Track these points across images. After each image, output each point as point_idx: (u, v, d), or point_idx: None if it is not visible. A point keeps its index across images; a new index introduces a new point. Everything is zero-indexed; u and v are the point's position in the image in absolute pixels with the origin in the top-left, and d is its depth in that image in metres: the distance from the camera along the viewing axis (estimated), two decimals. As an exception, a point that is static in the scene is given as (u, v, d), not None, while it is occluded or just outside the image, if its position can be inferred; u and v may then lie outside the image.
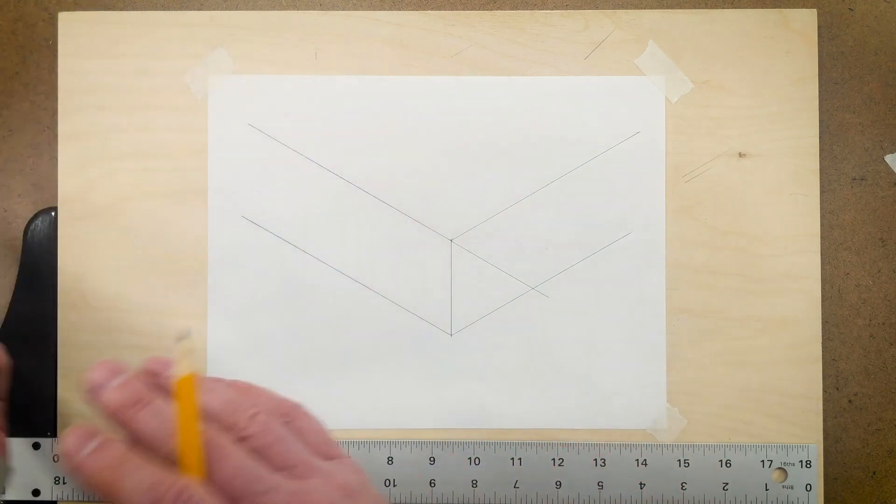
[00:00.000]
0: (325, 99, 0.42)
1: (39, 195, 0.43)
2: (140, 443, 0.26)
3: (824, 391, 0.42)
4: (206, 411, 0.27)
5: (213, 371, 0.42)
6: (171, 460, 0.26)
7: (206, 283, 0.42)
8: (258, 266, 0.42)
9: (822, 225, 0.43)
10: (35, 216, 0.42)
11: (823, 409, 0.42)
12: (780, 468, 0.41)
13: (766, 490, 0.41)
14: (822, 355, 0.42)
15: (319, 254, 0.42)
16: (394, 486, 0.41)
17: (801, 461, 0.41)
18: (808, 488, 0.41)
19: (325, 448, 0.30)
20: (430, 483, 0.41)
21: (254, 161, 0.42)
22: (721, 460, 0.41)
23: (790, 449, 0.41)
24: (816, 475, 0.41)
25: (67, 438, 0.26)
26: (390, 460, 0.41)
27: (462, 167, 0.42)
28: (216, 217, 0.42)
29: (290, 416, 0.30)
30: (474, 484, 0.41)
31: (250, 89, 0.42)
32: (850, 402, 0.43)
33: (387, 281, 0.42)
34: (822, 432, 0.42)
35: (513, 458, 0.41)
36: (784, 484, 0.41)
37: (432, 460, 0.41)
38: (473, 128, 0.42)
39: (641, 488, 0.41)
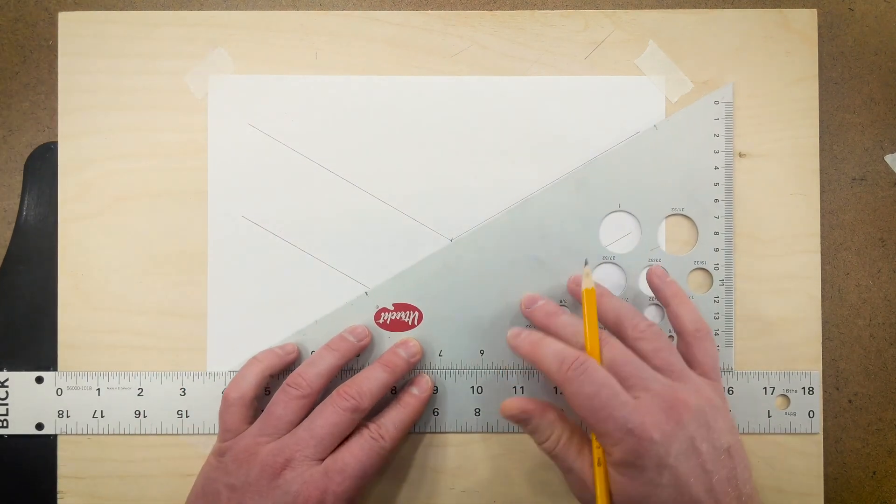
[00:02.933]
0: (325, 99, 0.42)
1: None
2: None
3: (824, 391, 0.42)
4: (618, 312, 0.37)
5: (212, 369, 0.42)
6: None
7: (206, 283, 0.42)
8: (258, 266, 0.42)
9: (822, 225, 0.43)
10: (34, 152, 0.42)
11: (823, 409, 0.42)
12: (782, 395, 0.42)
13: (769, 417, 0.41)
14: (822, 355, 0.42)
15: (319, 253, 0.42)
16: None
17: (804, 388, 0.41)
18: (811, 415, 0.41)
19: (705, 369, 0.36)
20: (434, 412, 0.41)
21: (254, 161, 0.42)
22: (724, 387, 0.41)
23: (792, 376, 0.42)
24: (819, 401, 0.42)
25: (509, 333, 0.38)
26: (394, 390, 0.41)
27: (462, 167, 0.42)
28: (216, 217, 0.42)
29: (694, 336, 0.37)
30: (477, 413, 0.41)
31: (250, 89, 0.42)
32: (850, 402, 0.43)
33: (387, 280, 0.42)
34: (822, 432, 0.42)
35: (514, 387, 0.41)
36: (787, 411, 0.41)
37: (435, 389, 0.41)
38: (473, 128, 0.42)
39: None
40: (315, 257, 0.42)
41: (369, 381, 0.38)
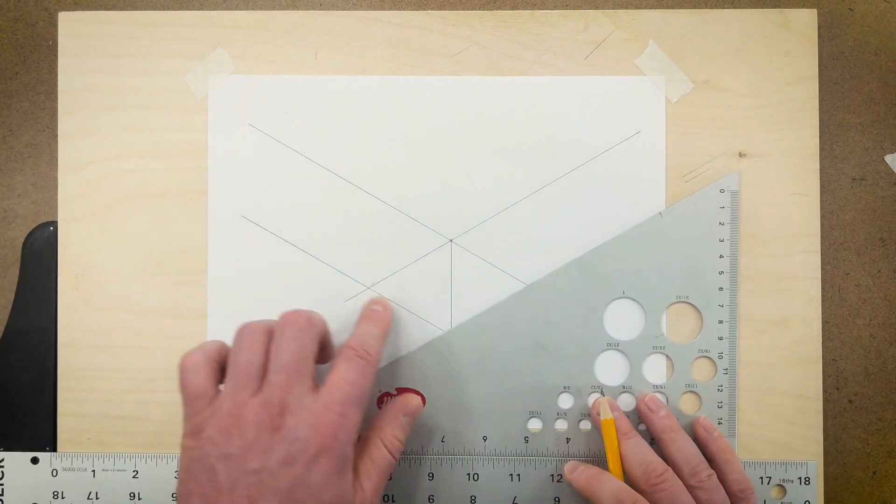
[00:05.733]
0: (325, 99, 0.42)
1: (39, 195, 0.43)
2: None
3: (824, 391, 0.42)
4: (683, 454, 0.38)
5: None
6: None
7: (206, 283, 0.42)
8: (258, 266, 0.42)
9: (822, 225, 0.43)
10: (34, 230, 0.42)
11: (823, 409, 0.42)
12: (779, 485, 0.41)
13: None
14: (822, 355, 0.42)
15: (319, 253, 0.42)
16: (392, 501, 0.41)
17: (801, 478, 0.41)
18: None
19: None
20: (430, 499, 0.41)
21: (254, 161, 0.42)
22: None
23: (789, 465, 0.41)
24: (816, 492, 0.41)
25: (567, 466, 0.40)
26: (390, 476, 0.41)
27: (462, 167, 0.42)
28: (216, 217, 0.42)
29: (737, 497, 0.38)
30: (472, 500, 0.41)
31: (250, 89, 0.42)
32: (850, 402, 0.43)
33: (387, 280, 0.42)
34: (822, 432, 0.42)
35: (511, 475, 0.41)
36: (783, 501, 0.41)
37: (431, 476, 0.41)
38: (473, 128, 0.42)
39: None
40: (315, 257, 0.42)
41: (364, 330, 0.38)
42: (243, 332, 0.35)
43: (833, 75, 0.43)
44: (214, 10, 0.43)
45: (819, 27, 0.43)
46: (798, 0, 0.43)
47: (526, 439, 0.41)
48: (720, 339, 0.41)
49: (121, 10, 0.43)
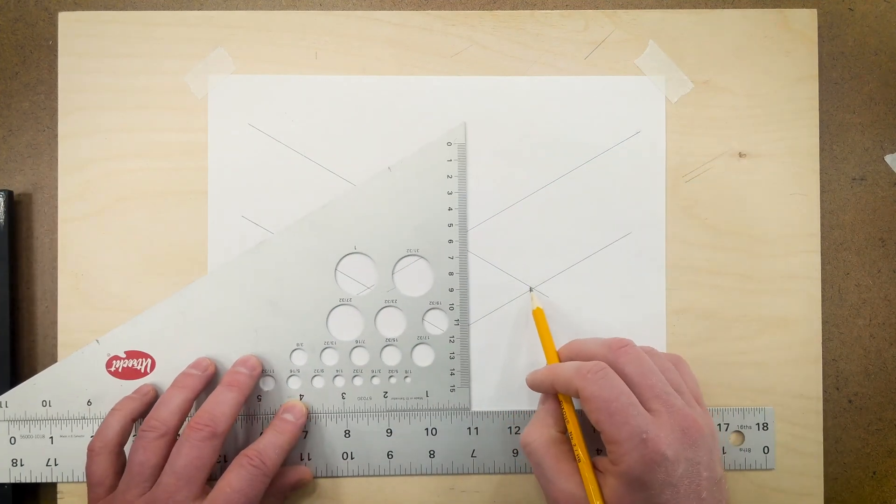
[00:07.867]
0: (325, 99, 0.42)
1: (39, 195, 0.43)
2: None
3: (824, 391, 0.42)
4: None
5: (212, 371, 0.42)
6: None
7: (206, 283, 0.42)
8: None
9: (822, 225, 0.43)
10: None
11: (823, 409, 0.42)
12: (737, 431, 0.42)
13: (724, 453, 0.41)
14: (822, 355, 0.42)
15: (319, 254, 0.42)
16: (351, 458, 0.41)
17: (758, 424, 0.41)
18: (766, 451, 0.41)
19: (697, 397, 0.37)
20: (388, 455, 0.41)
21: (254, 161, 0.42)
22: None
23: (747, 412, 0.42)
24: (773, 437, 0.42)
25: (527, 378, 0.39)
26: (347, 433, 0.41)
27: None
28: (216, 217, 0.42)
29: (676, 363, 0.38)
30: (431, 454, 0.41)
31: (250, 89, 0.42)
32: (850, 402, 0.43)
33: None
34: (822, 432, 0.42)
35: (469, 428, 0.41)
36: (741, 447, 0.41)
37: (389, 432, 0.41)
38: (473, 128, 0.42)
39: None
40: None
41: (219, 405, 0.37)
42: (146, 431, 0.37)
43: (833, 75, 0.43)
44: (214, 10, 0.43)
45: (819, 27, 0.43)
46: (798, 0, 0.43)
47: (259, 398, 0.41)
48: (451, 290, 0.41)
49: (121, 10, 0.43)
